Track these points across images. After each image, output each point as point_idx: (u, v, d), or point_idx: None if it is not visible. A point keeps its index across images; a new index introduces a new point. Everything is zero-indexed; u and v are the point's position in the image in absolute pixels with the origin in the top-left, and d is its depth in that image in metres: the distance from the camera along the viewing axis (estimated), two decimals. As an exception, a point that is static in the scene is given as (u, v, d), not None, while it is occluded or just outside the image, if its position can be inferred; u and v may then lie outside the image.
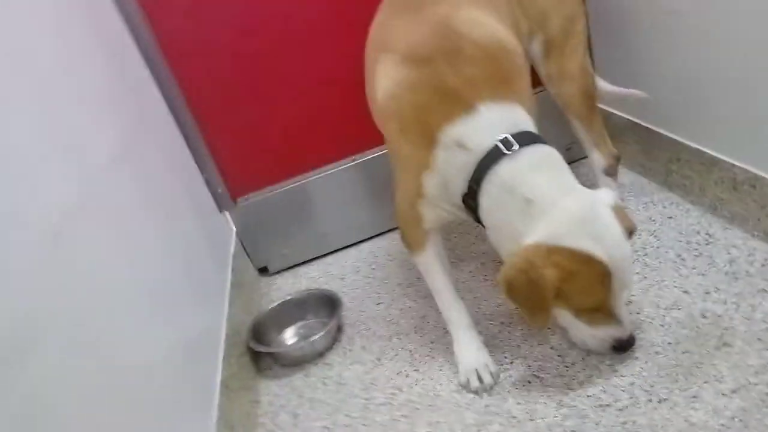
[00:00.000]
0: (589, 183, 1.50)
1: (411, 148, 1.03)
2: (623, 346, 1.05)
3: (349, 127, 1.62)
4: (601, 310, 1.00)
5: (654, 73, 1.44)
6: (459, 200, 1.04)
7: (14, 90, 0.80)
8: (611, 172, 1.44)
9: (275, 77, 1.57)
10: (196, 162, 1.60)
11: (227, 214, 1.69)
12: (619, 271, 0.94)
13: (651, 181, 1.59)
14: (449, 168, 1.00)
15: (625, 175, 1.64)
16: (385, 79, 1.05)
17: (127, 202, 1.04)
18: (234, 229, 1.69)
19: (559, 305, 0.98)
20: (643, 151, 1.58)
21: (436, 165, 1.01)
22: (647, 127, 1.53)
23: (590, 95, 1.37)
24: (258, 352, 1.38)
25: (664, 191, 1.53)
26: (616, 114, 1.64)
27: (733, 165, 1.26)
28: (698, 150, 1.36)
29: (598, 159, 1.42)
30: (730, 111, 1.23)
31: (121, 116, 1.18)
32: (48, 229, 0.75)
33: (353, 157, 1.69)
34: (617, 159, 1.44)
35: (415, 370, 1.24)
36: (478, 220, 1.04)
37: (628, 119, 1.60)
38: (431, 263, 1.16)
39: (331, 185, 1.70)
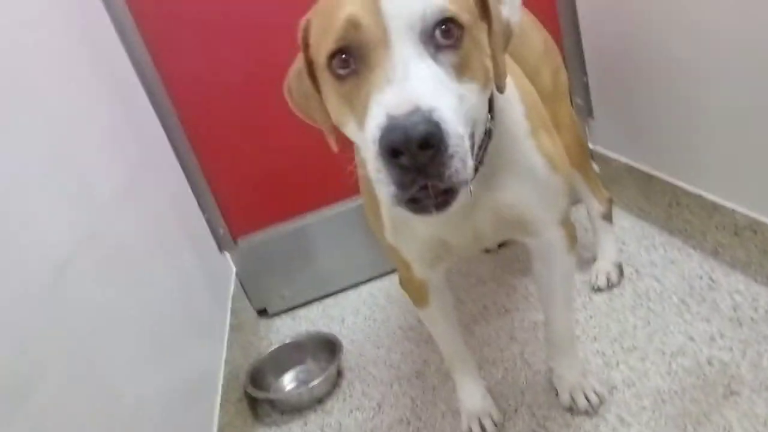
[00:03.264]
0: (584, 228, 1.51)
1: None
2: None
3: (350, 168, 1.63)
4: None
5: (651, 117, 1.46)
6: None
7: (22, 130, 0.81)
8: (608, 217, 1.44)
9: (277, 117, 1.57)
10: (198, 202, 1.60)
11: (227, 254, 1.68)
12: None
13: (651, 224, 1.59)
14: None
15: (624, 218, 1.65)
16: None
17: (129, 241, 1.04)
18: (234, 269, 1.68)
19: None
20: (642, 194, 1.59)
21: None
22: (645, 171, 1.55)
23: (582, 142, 1.39)
24: (255, 397, 1.34)
25: (665, 235, 1.53)
26: (613, 158, 1.66)
27: (734, 210, 1.26)
28: (697, 195, 1.37)
29: (596, 206, 1.42)
30: (729, 156, 1.25)
31: (125, 156, 1.19)
32: (51, 267, 0.75)
33: (354, 198, 1.69)
34: (611, 202, 1.44)
35: (416, 417, 1.22)
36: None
37: (625, 163, 1.61)
38: (435, 317, 1.08)
39: (331, 226, 1.70)
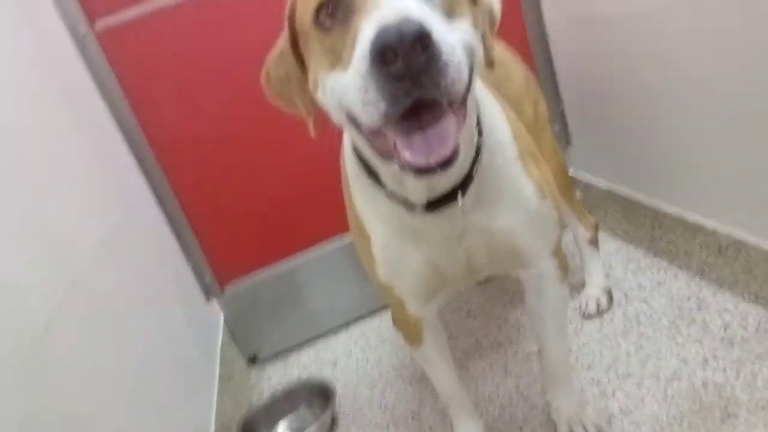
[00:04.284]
0: (571, 254, 1.52)
1: None
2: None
3: (335, 206, 1.63)
4: None
5: (629, 141, 1.48)
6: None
7: None
8: (594, 242, 1.45)
9: (259, 160, 1.59)
10: (183, 250, 1.59)
11: (215, 301, 1.66)
12: None
13: (636, 247, 1.60)
14: None
15: (610, 242, 1.66)
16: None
17: (112, 296, 1.02)
18: (222, 316, 1.66)
19: None
20: (625, 218, 1.60)
21: None
22: (626, 195, 1.56)
23: (565, 171, 1.40)
24: (249, 449, 1.31)
25: (651, 257, 1.54)
26: (593, 183, 1.68)
27: (716, 230, 1.28)
28: (679, 216, 1.38)
29: (582, 232, 1.43)
30: (708, 176, 1.26)
31: (107, 207, 1.18)
32: (33, 330, 0.73)
33: (340, 236, 1.69)
34: (597, 228, 1.46)
35: (415, 460, 1.19)
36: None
37: (606, 187, 1.63)
38: (430, 356, 1.05)
39: (319, 266, 1.69)
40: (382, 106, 0.57)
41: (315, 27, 0.68)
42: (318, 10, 0.66)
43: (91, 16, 1.39)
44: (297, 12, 0.73)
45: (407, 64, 0.54)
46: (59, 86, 1.21)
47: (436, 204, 0.79)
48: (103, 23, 1.40)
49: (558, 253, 0.95)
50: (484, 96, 0.88)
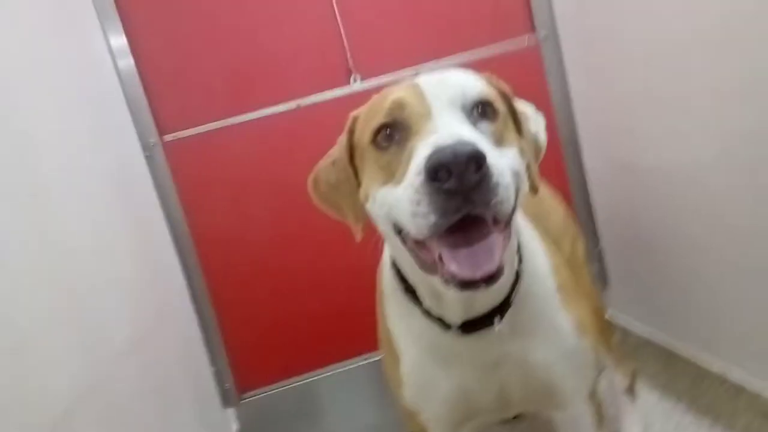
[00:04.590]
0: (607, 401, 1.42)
1: None
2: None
3: (362, 326, 1.62)
4: None
5: (670, 289, 1.45)
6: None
7: (37, 271, 0.84)
8: (632, 391, 1.37)
9: (294, 274, 1.63)
10: (209, 353, 1.59)
11: (230, 410, 1.62)
12: None
13: (677, 401, 1.49)
14: None
15: (648, 392, 1.56)
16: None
17: (131, 395, 1.02)
18: (235, 428, 1.61)
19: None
20: (665, 368, 1.52)
21: None
22: (665, 346, 1.49)
23: (602, 312, 1.36)
24: None
25: (693, 413, 1.43)
26: (631, 328, 1.62)
27: (760, 392, 1.20)
28: (722, 372, 1.31)
29: (620, 379, 1.36)
30: (754, 333, 1.21)
31: (144, 307, 1.21)
32: (49, 419, 0.73)
33: (365, 356, 1.66)
34: (635, 376, 1.38)
35: None
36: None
37: (645, 334, 1.57)
38: None
39: (339, 385, 1.65)
40: (432, 218, 0.60)
41: (372, 146, 0.74)
42: (377, 132, 0.73)
43: (162, 130, 1.54)
44: (357, 129, 0.80)
45: (460, 181, 0.58)
46: (120, 189, 1.31)
47: (471, 325, 0.78)
48: (171, 136, 1.54)
49: (594, 398, 0.91)
50: (524, 226, 0.90)
